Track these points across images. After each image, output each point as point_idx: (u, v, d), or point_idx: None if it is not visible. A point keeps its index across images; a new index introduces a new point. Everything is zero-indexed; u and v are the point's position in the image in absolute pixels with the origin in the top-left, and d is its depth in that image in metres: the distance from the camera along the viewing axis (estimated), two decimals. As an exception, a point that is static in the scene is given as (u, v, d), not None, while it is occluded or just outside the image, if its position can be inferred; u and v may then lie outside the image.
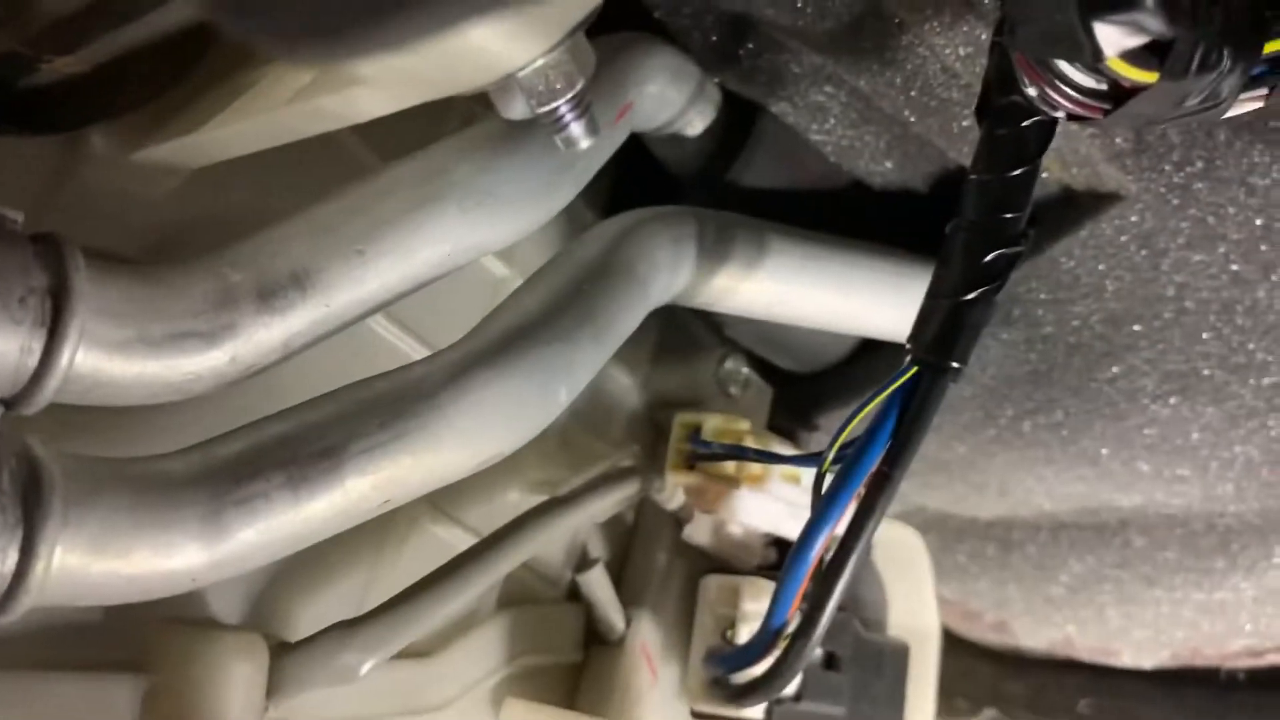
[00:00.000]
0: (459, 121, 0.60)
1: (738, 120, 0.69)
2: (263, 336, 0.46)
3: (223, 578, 0.44)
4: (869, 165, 0.71)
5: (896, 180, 0.73)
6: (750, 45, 0.65)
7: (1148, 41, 0.39)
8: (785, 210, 0.69)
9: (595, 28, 0.43)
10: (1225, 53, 0.42)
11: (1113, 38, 0.39)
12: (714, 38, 0.65)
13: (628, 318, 0.57)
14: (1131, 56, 0.40)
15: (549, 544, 0.62)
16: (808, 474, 0.66)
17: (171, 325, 0.44)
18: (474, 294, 0.65)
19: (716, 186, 0.69)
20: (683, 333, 0.79)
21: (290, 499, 0.44)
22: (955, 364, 0.53)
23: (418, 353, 0.62)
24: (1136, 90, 0.42)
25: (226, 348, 0.45)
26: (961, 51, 0.59)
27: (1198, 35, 0.41)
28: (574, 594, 0.71)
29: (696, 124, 0.67)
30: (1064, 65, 0.42)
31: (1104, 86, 0.42)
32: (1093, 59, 0.39)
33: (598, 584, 0.69)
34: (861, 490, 0.54)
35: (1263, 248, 0.65)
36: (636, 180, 0.74)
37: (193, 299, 0.45)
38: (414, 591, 0.55)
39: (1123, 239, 0.66)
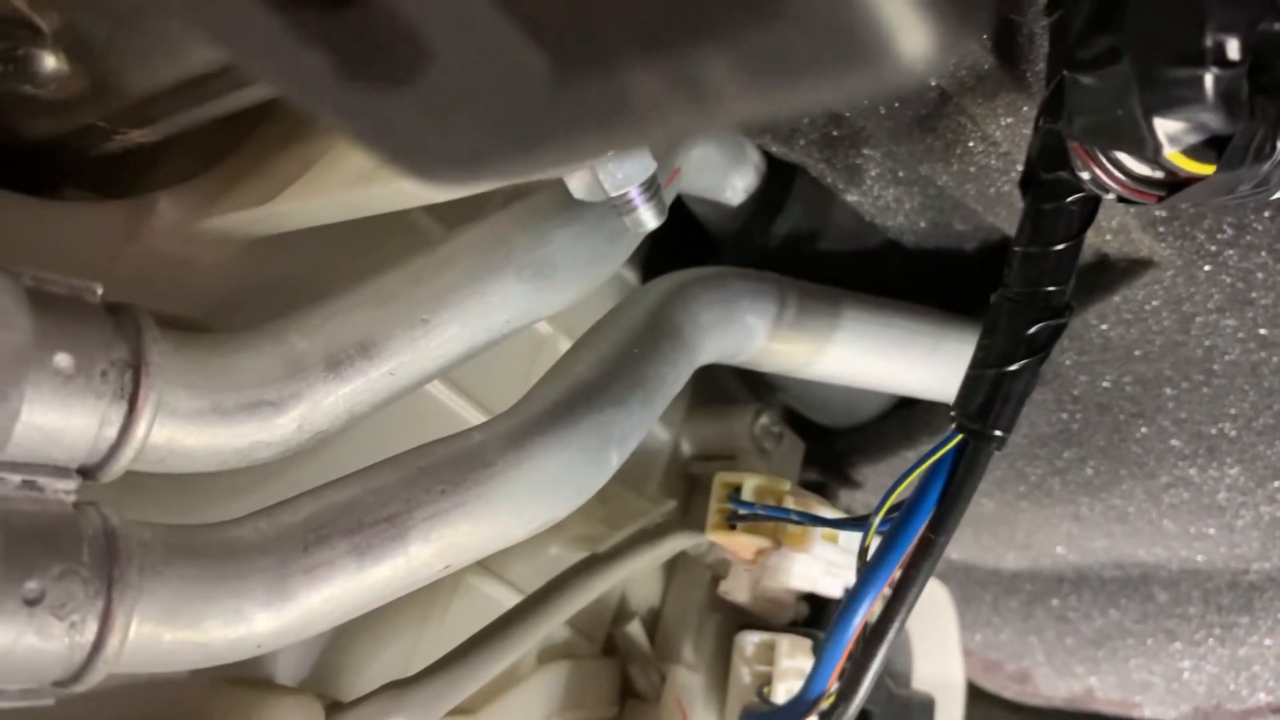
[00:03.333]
0: (512, 187, 0.61)
1: (776, 181, 0.70)
2: (329, 404, 0.47)
3: (287, 643, 0.45)
4: (903, 225, 0.72)
5: (930, 240, 0.74)
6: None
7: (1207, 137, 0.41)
8: (821, 268, 0.70)
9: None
10: (1278, 142, 0.43)
11: (1174, 133, 0.40)
12: (756, 102, 0.66)
13: (675, 380, 0.57)
14: (1190, 150, 0.41)
15: (590, 601, 0.62)
16: (845, 533, 0.67)
17: (243, 395, 0.45)
18: (519, 353, 0.66)
19: (754, 245, 0.70)
20: (717, 386, 0.80)
21: (355, 566, 0.45)
22: (999, 433, 0.54)
23: (465, 410, 0.63)
24: (1192, 179, 0.43)
25: (294, 415, 0.46)
26: (1003, 121, 0.60)
27: (1254, 128, 0.42)
28: (610, 648, 0.72)
29: (738, 186, 0.68)
30: (1122, 155, 0.43)
31: (1160, 175, 0.44)
32: (1154, 154, 0.40)
33: (634, 639, 0.70)
34: (906, 556, 0.54)
35: (1290, 312, 0.66)
36: (674, 236, 0.75)
37: (263, 368, 0.45)
38: (462, 651, 0.56)
39: (1154, 303, 0.67)
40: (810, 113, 0.19)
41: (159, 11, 0.31)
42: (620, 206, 0.43)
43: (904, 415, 0.80)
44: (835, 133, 0.67)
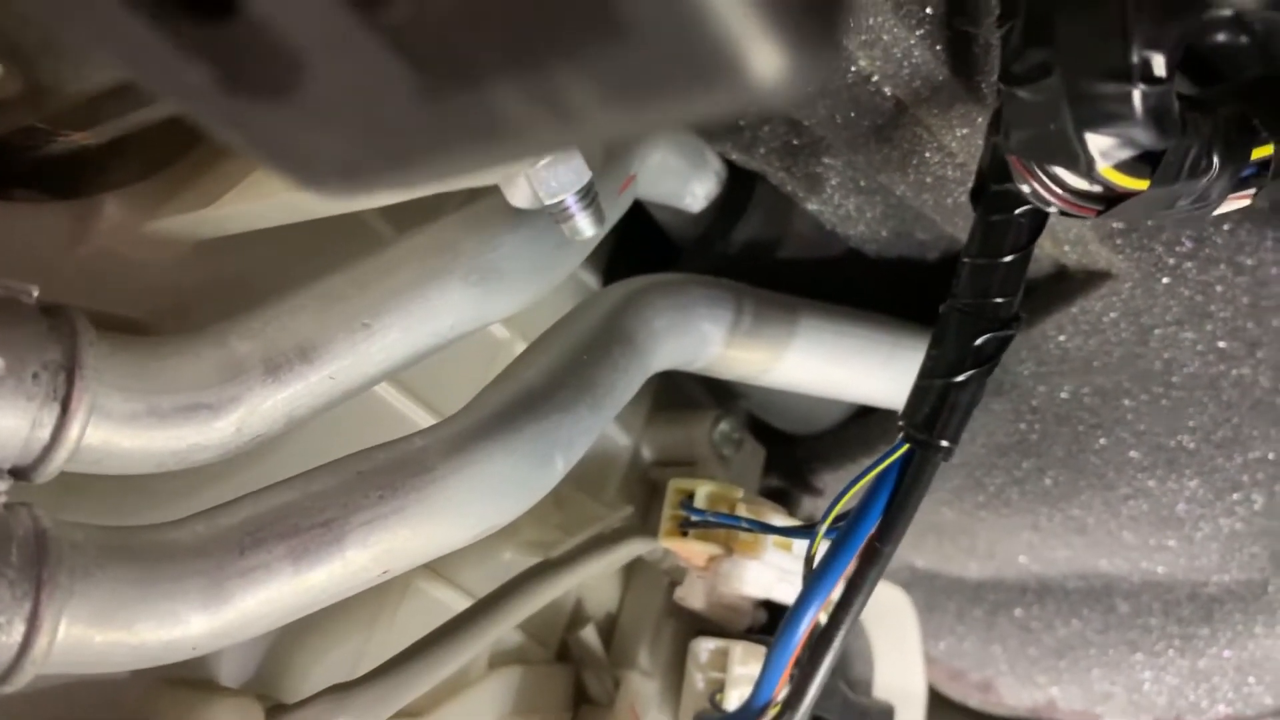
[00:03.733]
0: (467, 191, 0.61)
1: (737, 188, 0.70)
2: (268, 407, 0.47)
3: (222, 646, 0.45)
4: (864, 234, 0.73)
5: (893, 249, 0.74)
6: (751, 118, 0.66)
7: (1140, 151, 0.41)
8: (781, 276, 0.70)
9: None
10: (1214, 159, 0.43)
11: (1105, 149, 0.40)
12: (715, 110, 0.66)
13: (626, 386, 0.57)
14: (1123, 165, 0.41)
15: (542, 606, 0.62)
16: (799, 539, 0.67)
17: (180, 398, 0.45)
18: (474, 357, 0.66)
19: (714, 252, 0.70)
20: (677, 393, 0.80)
21: (292, 570, 0.45)
22: (946, 443, 0.54)
23: (415, 414, 0.63)
24: (1129, 194, 0.43)
25: (232, 418, 0.46)
26: (958, 132, 0.60)
27: (1187, 144, 0.42)
28: (564, 654, 0.72)
29: (697, 193, 0.68)
30: (1058, 169, 0.44)
31: (1097, 189, 0.44)
32: (1086, 169, 0.40)
33: (588, 644, 0.70)
34: (853, 564, 0.55)
35: (1248, 325, 0.66)
36: (634, 241, 0.75)
37: (201, 371, 0.45)
38: (408, 655, 0.55)
39: (1112, 315, 0.67)
40: (673, 129, 0.19)
41: (51, 23, 0.31)
42: (557, 214, 0.43)
43: (863, 423, 0.80)
44: (795, 141, 0.67)
